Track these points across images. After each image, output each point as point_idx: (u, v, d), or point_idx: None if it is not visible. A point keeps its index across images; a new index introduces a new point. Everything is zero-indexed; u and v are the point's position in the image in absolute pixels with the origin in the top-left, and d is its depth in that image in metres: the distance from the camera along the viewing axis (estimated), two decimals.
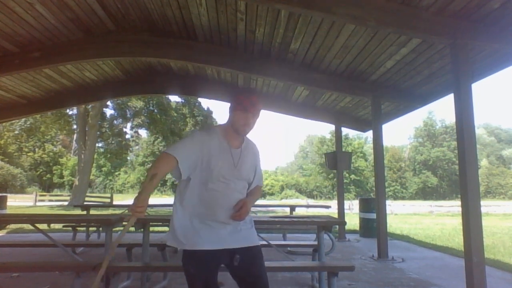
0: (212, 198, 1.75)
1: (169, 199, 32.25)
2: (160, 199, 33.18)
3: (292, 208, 7.53)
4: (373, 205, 7.58)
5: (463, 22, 3.67)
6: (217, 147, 1.78)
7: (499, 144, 57.48)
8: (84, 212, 6.71)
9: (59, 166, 42.59)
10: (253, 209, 3.37)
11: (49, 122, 21.00)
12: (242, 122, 1.78)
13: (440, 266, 5.14)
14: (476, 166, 3.54)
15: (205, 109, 28.68)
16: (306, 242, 5.32)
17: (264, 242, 4.03)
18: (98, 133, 20.92)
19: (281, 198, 38.89)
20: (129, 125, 24.66)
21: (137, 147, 44.38)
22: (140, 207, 1.58)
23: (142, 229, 3.51)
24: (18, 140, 36.88)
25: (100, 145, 23.85)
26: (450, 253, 6.22)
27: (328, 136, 48.03)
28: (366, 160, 46.32)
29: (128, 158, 40.29)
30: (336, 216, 7.58)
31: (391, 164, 48.45)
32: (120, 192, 43.29)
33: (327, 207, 8.53)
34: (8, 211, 9.81)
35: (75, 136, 21.50)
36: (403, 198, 44.69)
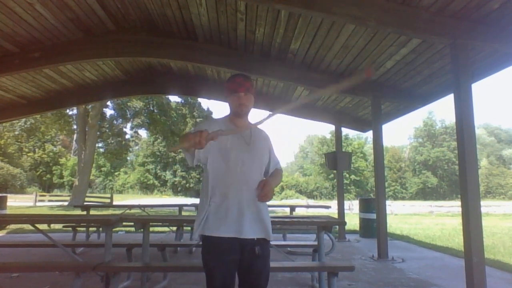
0: (233, 179, 1.77)
1: (169, 199, 32.29)
2: (160, 199, 33.22)
3: (292, 208, 7.52)
4: (373, 205, 7.59)
5: (463, 22, 3.67)
6: (226, 128, 1.84)
7: (499, 144, 57.47)
8: (84, 213, 6.71)
9: (59, 166, 42.54)
10: None
11: (49, 122, 20.98)
12: (236, 103, 1.87)
13: (440, 266, 5.13)
14: (476, 166, 3.54)
15: (205, 109, 28.71)
16: (306, 242, 5.32)
17: None
18: (98, 133, 20.89)
19: (281, 199, 38.86)
20: (129, 125, 24.66)
21: (137, 147, 44.39)
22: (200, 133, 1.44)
23: (142, 229, 3.51)
24: (18, 140, 36.90)
25: (100, 145, 23.84)
26: (450, 253, 6.22)
27: (328, 136, 48.03)
28: (366, 160, 46.31)
29: (128, 158, 40.30)
30: (336, 216, 7.58)
31: (391, 164, 48.43)
32: (120, 192, 43.25)
33: (327, 207, 8.53)
34: (8, 211, 9.82)
35: (75, 136, 21.48)
36: (403, 198, 44.68)
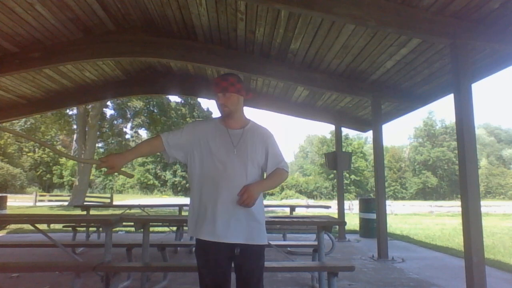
0: (214, 180, 1.76)
1: (169, 199, 32.28)
2: (160, 199, 33.22)
3: (292, 208, 7.53)
4: (373, 205, 7.58)
5: (463, 22, 3.67)
6: (213, 130, 1.88)
7: (499, 144, 57.44)
8: (84, 212, 6.71)
9: (59, 166, 42.54)
10: None
11: (49, 122, 20.97)
12: (217, 104, 1.88)
13: (440, 266, 5.14)
14: (476, 166, 3.54)
15: (205, 109, 28.73)
16: (306, 242, 5.32)
17: None
18: (98, 133, 20.89)
19: (281, 198, 38.83)
20: (129, 125, 24.67)
21: None
22: (107, 160, 1.73)
23: (142, 229, 3.51)
24: (18, 140, 36.89)
25: (100, 145, 23.84)
26: (450, 253, 6.22)
27: (328, 136, 48.02)
28: (366, 160, 46.29)
29: None
30: (336, 216, 7.58)
31: (391, 164, 48.41)
32: (120, 192, 43.25)
33: (327, 207, 8.53)
34: (8, 211, 9.82)
35: (75, 136, 21.43)
36: (403, 198, 44.65)
